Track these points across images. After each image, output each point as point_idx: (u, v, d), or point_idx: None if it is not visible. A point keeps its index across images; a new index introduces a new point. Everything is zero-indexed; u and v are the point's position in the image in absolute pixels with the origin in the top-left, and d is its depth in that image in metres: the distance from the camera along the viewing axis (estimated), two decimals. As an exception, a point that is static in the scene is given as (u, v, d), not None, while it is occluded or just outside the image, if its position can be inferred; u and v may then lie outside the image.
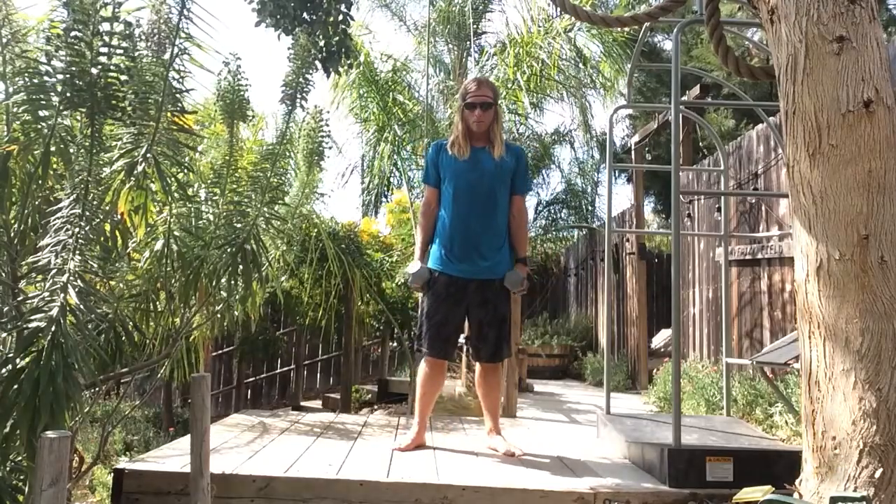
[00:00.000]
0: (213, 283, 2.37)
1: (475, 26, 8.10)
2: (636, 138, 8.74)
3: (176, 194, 2.20)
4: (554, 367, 9.37)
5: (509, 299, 3.22)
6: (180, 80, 2.12)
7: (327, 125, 2.75)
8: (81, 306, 1.78)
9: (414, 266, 3.21)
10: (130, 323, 2.27)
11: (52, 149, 1.98)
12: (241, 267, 2.34)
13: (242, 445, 3.13)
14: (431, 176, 3.25)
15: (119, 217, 2.12)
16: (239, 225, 2.38)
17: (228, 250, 2.33)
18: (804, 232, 1.72)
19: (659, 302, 9.71)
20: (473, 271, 3.09)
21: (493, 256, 3.12)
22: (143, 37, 2.10)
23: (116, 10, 1.94)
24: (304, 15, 2.95)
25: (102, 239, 2.11)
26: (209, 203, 2.46)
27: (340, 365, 8.80)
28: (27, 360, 1.67)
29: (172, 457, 2.76)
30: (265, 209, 2.41)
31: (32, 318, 1.70)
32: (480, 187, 3.12)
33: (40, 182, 2.05)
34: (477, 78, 3.35)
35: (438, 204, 3.23)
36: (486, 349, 3.15)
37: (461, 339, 3.48)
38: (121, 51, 1.99)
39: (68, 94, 1.93)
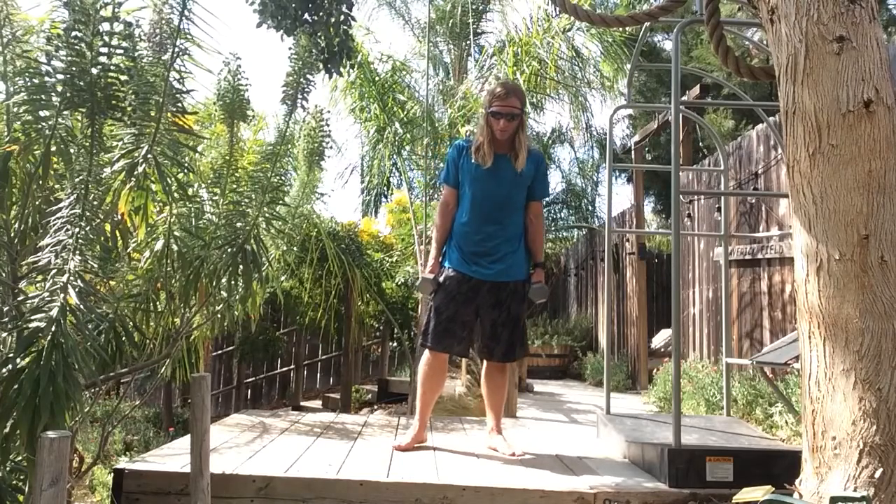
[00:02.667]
0: (214, 283, 2.37)
1: (475, 26, 8.10)
2: (636, 138, 8.74)
3: (176, 194, 2.19)
4: (554, 367, 9.38)
5: (524, 300, 3.19)
6: (181, 80, 2.12)
7: (328, 125, 2.75)
8: (81, 306, 1.78)
9: (423, 277, 3.21)
10: (130, 323, 2.27)
11: (53, 149, 1.98)
12: (241, 267, 2.34)
13: (242, 445, 3.13)
14: (452, 176, 3.22)
15: (119, 217, 2.12)
16: (239, 225, 2.38)
17: (229, 250, 2.33)
18: (804, 232, 1.72)
19: (659, 302, 9.71)
20: (488, 273, 3.08)
21: (507, 259, 3.11)
22: (144, 37, 2.10)
23: (116, 10, 1.94)
24: (306, 16, 2.95)
25: (102, 239, 2.11)
26: (209, 203, 2.46)
27: (340, 365, 8.81)
28: (27, 360, 1.67)
29: (172, 457, 2.76)
30: (265, 209, 2.41)
31: (32, 318, 1.70)
32: (499, 194, 3.11)
33: (40, 182, 2.05)
34: (505, 84, 3.22)
35: (456, 204, 3.22)
36: (498, 349, 3.15)
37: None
38: (121, 51, 1.99)
39: (69, 94, 1.93)
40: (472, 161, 3.12)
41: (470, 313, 3.13)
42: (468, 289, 3.09)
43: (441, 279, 3.14)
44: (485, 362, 3.28)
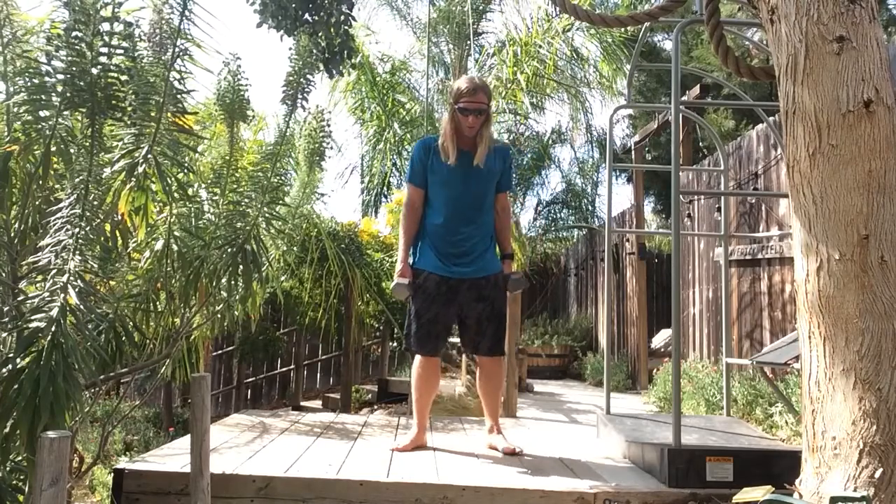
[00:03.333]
0: (214, 283, 2.37)
1: (475, 26, 8.10)
2: (636, 138, 8.74)
3: (176, 194, 2.20)
4: (554, 367, 9.37)
5: (505, 294, 3.21)
6: (181, 80, 2.12)
7: (328, 125, 2.75)
8: (81, 306, 1.78)
9: (397, 282, 3.15)
10: (130, 323, 2.27)
11: (53, 149, 1.98)
12: (241, 267, 2.34)
13: (242, 445, 3.13)
14: (418, 176, 3.16)
15: (119, 217, 2.12)
16: (239, 225, 2.38)
17: (229, 250, 2.33)
18: (804, 232, 1.72)
19: (659, 302, 9.71)
20: (465, 272, 3.08)
21: (482, 256, 3.13)
22: (144, 37, 2.10)
23: (116, 10, 1.94)
24: (306, 16, 2.95)
25: (102, 239, 2.11)
26: (209, 203, 2.46)
27: (340, 365, 8.80)
28: (27, 360, 1.67)
29: (172, 457, 2.76)
30: (265, 209, 2.41)
31: (32, 318, 1.70)
32: (472, 193, 3.10)
33: (41, 182, 2.05)
34: (471, 79, 3.18)
35: (423, 204, 3.18)
36: (485, 343, 3.14)
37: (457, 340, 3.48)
38: (121, 51, 1.99)
39: (69, 95, 1.93)
40: (442, 160, 3.09)
41: (451, 314, 3.13)
42: (447, 289, 3.08)
43: (420, 281, 3.11)
44: (479, 365, 3.28)
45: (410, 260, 3.20)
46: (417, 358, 3.18)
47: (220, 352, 8.40)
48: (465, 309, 3.12)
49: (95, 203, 1.98)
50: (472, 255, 3.10)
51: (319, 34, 3.00)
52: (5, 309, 1.94)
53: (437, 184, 3.13)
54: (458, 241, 3.10)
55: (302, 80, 2.42)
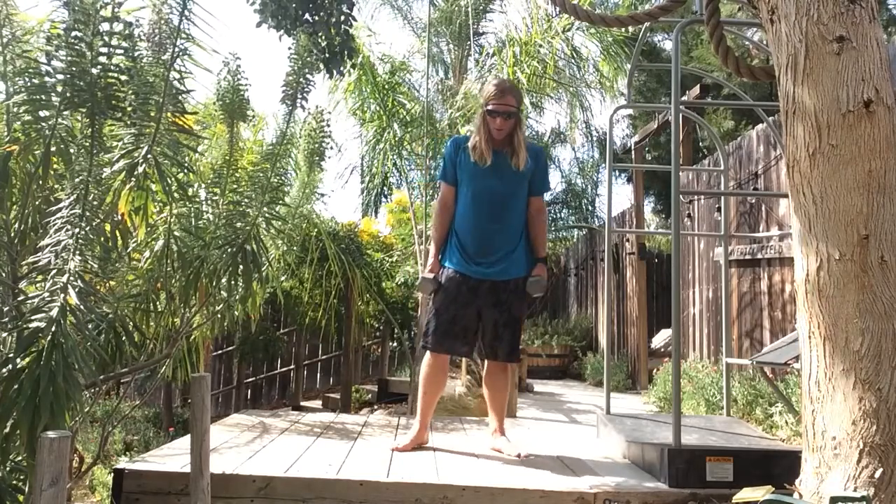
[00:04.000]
0: (214, 283, 2.37)
1: (475, 26, 8.09)
2: (636, 138, 8.74)
3: (176, 194, 2.20)
4: (554, 367, 9.38)
5: (524, 300, 3.19)
6: (181, 80, 2.12)
7: (328, 126, 2.75)
8: (81, 306, 1.78)
9: (423, 277, 3.20)
10: (130, 323, 2.27)
11: (53, 149, 1.98)
12: (241, 267, 2.34)
13: (242, 445, 3.13)
14: (449, 174, 3.20)
15: (119, 217, 2.12)
16: (239, 225, 2.38)
17: (229, 250, 2.33)
18: (804, 232, 1.72)
19: (659, 302, 9.71)
20: (487, 272, 3.08)
21: (507, 257, 3.11)
22: (144, 37, 2.10)
23: (116, 10, 1.94)
24: (306, 16, 2.95)
25: (102, 239, 2.11)
26: (209, 203, 2.46)
27: (340, 365, 8.81)
28: (27, 360, 1.67)
29: (172, 457, 2.76)
30: (265, 209, 2.41)
31: (32, 318, 1.70)
32: (499, 192, 3.10)
33: (40, 182, 2.05)
34: (501, 82, 3.19)
35: (455, 202, 3.20)
36: (503, 349, 3.13)
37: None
38: (121, 51, 1.99)
39: (69, 95, 1.93)
40: (471, 159, 3.10)
41: (471, 315, 3.11)
42: (468, 290, 3.08)
43: (442, 280, 3.13)
44: (485, 363, 3.27)
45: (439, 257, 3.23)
46: (427, 356, 3.18)
47: (220, 352, 8.41)
48: (483, 312, 3.11)
49: (95, 203, 1.98)
50: (496, 254, 3.10)
51: (319, 34, 3.00)
52: (5, 309, 1.94)
53: (465, 181, 3.15)
54: (483, 238, 3.09)
55: (302, 80, 2.42)
